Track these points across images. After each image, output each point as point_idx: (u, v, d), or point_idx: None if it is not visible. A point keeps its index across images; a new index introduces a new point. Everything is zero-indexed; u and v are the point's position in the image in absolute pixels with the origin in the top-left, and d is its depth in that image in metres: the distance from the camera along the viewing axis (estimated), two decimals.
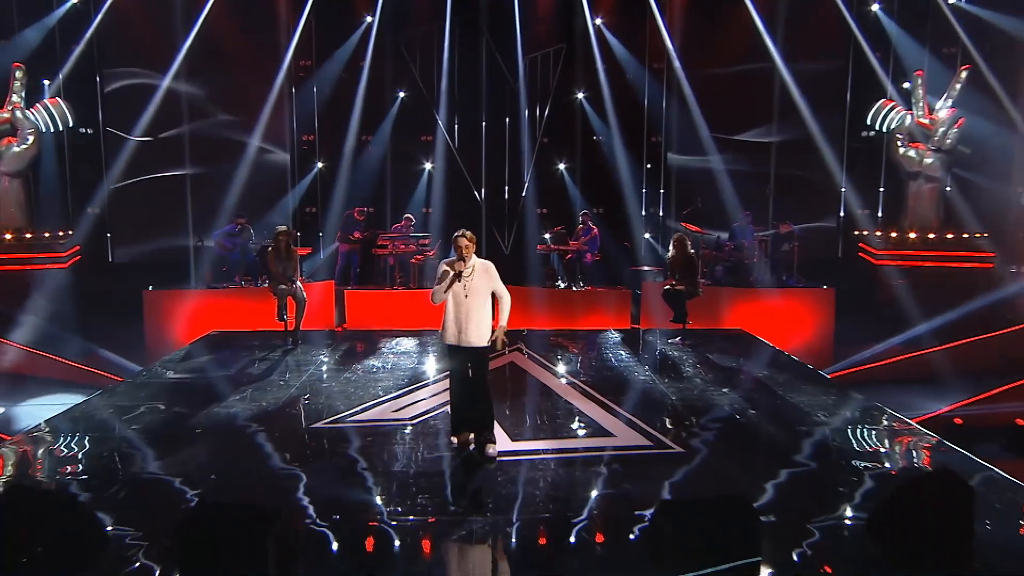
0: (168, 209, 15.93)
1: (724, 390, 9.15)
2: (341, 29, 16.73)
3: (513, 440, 7.40)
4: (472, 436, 7.01)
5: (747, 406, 8.52)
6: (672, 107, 16.65)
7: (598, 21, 16.73)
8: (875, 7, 15.74)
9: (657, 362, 10.66)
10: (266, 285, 11.68)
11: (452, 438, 7.13)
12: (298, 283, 11.28)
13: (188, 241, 15.27)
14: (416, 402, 8.67)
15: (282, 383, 9.44)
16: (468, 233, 6.63)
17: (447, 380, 9.32)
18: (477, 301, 6.65)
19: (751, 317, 13.00)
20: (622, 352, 11.23)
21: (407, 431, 7.72)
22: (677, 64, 16.12)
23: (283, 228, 11.30)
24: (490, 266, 6.77)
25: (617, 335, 12.58)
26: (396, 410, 8.42)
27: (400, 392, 9.02)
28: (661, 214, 17.27)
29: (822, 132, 15.45)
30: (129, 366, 11.71)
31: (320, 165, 17.18)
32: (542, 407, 8.50)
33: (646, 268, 15.39)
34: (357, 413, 8.29)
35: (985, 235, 14.41)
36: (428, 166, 17.40)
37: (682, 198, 16.48)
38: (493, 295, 6.80)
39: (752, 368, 10.29)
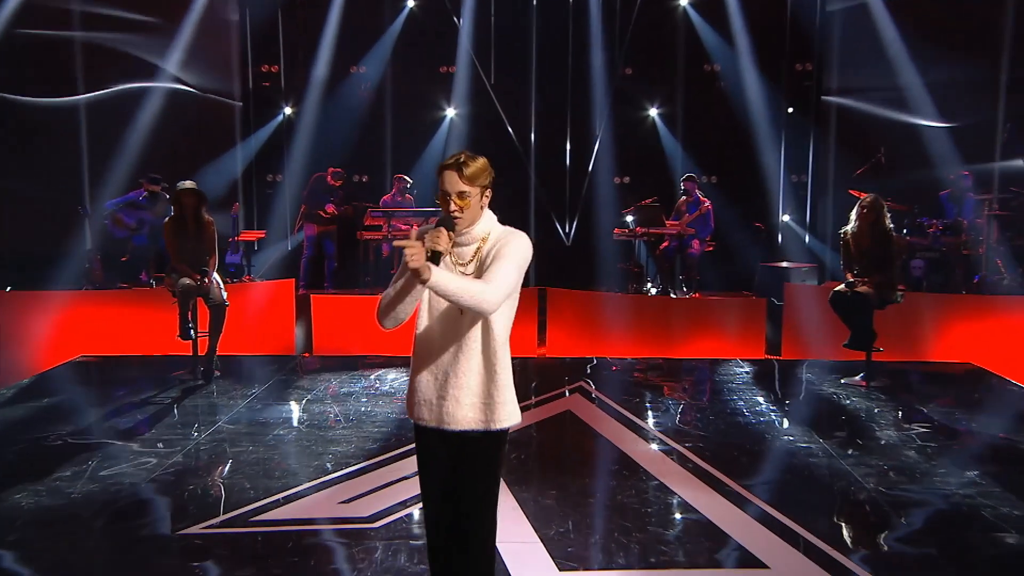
0: (52, 167, 13.80)
1: (969, 474, 6.50)
2: None
3: (563, 569, 4.95)
4: None
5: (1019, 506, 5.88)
6: (835, 16, 13.98)
7: None
8: None
9: (824, 418, 8.01)
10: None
11: None
12: (216, 277, 9.00)
13: (83, 217, 13.20)
14: (387, 484, 6.25)
15: (160, 445, 7.08)
16: (466, 162, 3.78)
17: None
18: (479, 324, 3.85)
19: (980, 343, 10.25)
20: (759, 398, 8.65)
21: (364, 544, 5.29)
22: None
23: (188, 185, 9.05)
24: (514, 239, 3.86)
25: (746, 369, 9.98)
26: (347, 500, 6.02)
27: (362, 465, 6.62)
28: (810, 182, 14.57)
29: None
30: None
31: (288, 111, 15.05)
32: (619, 497, 6.01)
33: (788, 264, 12.79)
34: (277, 505, 5.91)
35: None
36: (449, 112, 15.27)
37: (849, 156, 13.78)
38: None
39: (1007, 431, 7.62)
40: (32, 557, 5.16)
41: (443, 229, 3.65)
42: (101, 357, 10.30)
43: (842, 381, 9.03)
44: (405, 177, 13.48)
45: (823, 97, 14.48)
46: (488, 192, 3.85)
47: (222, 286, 9.06)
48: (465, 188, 3.71)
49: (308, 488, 6.13)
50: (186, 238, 8.92)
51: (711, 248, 12.89)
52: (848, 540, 5.35)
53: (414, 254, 3.42)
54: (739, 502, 5.91)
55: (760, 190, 14.33)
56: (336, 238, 13.39)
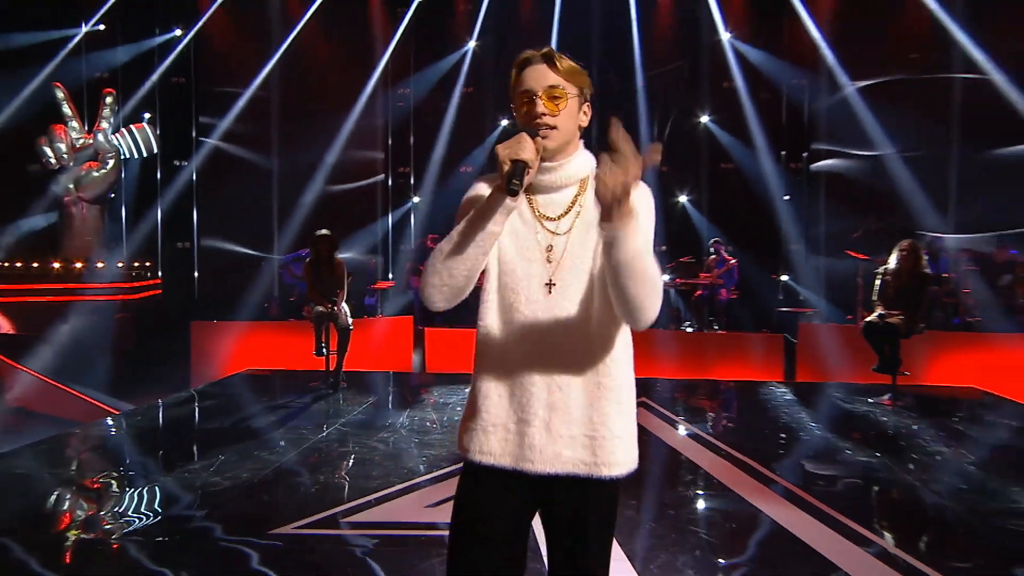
0: (254, 235, 12.36)
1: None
2: (439, 54, 13.01)
3: None
4: None
5: None
6: (820, 110, 11.87)
7: (726, 36, 12.20)
8: None
9: (872, 434, 5.69)
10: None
11: None
12: (343, 306, 7.18)
13: (272, 270, 11.72)
14: None
15: (280, 446, 5.19)
16: (556, 53, 1.71)
17: None
18: (585, 309, 1.70)
19: (970, 371, 7.84)
20: (802, 415, 6.31)
21: (438, 552, 3.33)
22: (840, 75, 11.30)
23: (324, 232, 7.30)
24: (644, 195, 1.71)
25: (784, 391, 7.48)
26: (434, 504, 4.02)
27: (450, 468, 4.64)
28: (803, 248, 12.16)
29: None
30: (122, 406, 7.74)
31: (416, 200, 13.36)
32: (699, 510, 3.90)
33: (798, 309, 10.58)
34: (368, 506, 4.01)
35: None
36: None
37: (838, 226, 11.40)
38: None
39: None
40: (141, 544, 3.30)
41: (525, 135, 1.60)
42: (263, 370, 8.53)
43: (870, 400, 6.70)
44: None
45: (814, 176, 12.19)
46: (588, 108, 1.76)
47: (348, 313, 7.24)
48: (558, 82, 1.69)
49: (395, 491, 4.19)
50: (320, 274, 7.17)
51: (735, 296, 10.73)
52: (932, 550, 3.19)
53: (521, 145, 1.57)
54: (823, 518, 3.80)
55: (767, 256, 12.01)
56: None
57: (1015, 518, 3.81)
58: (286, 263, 10.80)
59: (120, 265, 11.24)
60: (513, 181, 1.55)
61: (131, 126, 11.48)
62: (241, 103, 11.96)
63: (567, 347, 1.69)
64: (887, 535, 3.58)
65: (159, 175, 12.46)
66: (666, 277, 10.95)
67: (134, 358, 9.61)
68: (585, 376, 1.70)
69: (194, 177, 12.50)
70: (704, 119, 12.77)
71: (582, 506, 1.70)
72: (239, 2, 11.88)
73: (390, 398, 7.02)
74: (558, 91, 1.68)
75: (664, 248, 12.59)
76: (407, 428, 5.69)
